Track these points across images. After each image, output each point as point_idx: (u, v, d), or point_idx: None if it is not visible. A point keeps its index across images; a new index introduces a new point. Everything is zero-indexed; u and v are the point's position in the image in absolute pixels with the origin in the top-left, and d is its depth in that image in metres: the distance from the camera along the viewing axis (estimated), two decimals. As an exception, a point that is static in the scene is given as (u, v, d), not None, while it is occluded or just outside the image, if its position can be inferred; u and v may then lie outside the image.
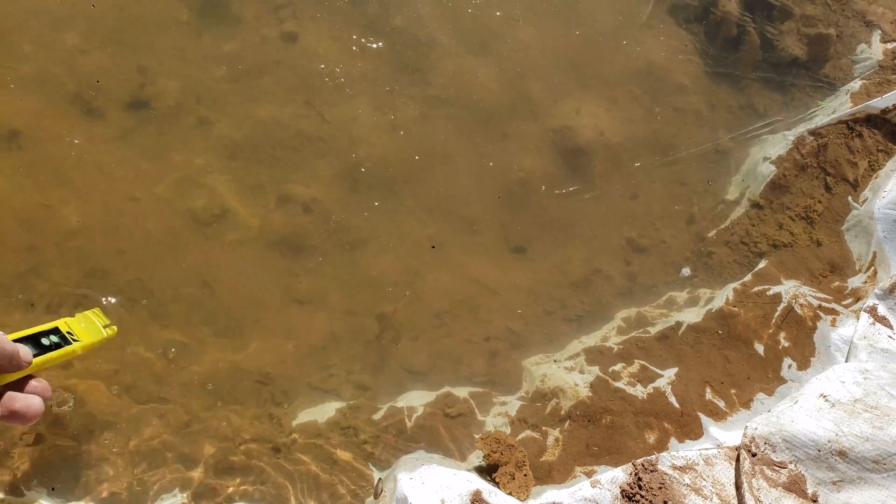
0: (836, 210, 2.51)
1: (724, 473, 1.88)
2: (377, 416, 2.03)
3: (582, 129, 2.67)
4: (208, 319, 2.10)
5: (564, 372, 2.20)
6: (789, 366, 2.22)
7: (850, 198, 2.51)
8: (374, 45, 2.64)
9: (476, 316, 2.30)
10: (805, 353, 2.24)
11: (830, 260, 2.41)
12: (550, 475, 1.95)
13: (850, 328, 2.21)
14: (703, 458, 1.90)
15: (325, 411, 2.03)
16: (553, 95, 2.73)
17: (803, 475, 1.83)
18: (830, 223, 2.49)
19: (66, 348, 0.83)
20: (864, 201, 2.48)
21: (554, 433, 2.05)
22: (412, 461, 1.92)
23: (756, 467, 1.85)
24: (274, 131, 2.41)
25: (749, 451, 1.88)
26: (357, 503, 1.87)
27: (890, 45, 2.81)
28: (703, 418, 2.11)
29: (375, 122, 2.51)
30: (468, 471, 1.87)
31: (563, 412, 2.09)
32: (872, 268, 2.35)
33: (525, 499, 1.80)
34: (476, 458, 1.97)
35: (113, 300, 2.03)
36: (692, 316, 2.35)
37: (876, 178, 2.53)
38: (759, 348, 2.26)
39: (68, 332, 0.85)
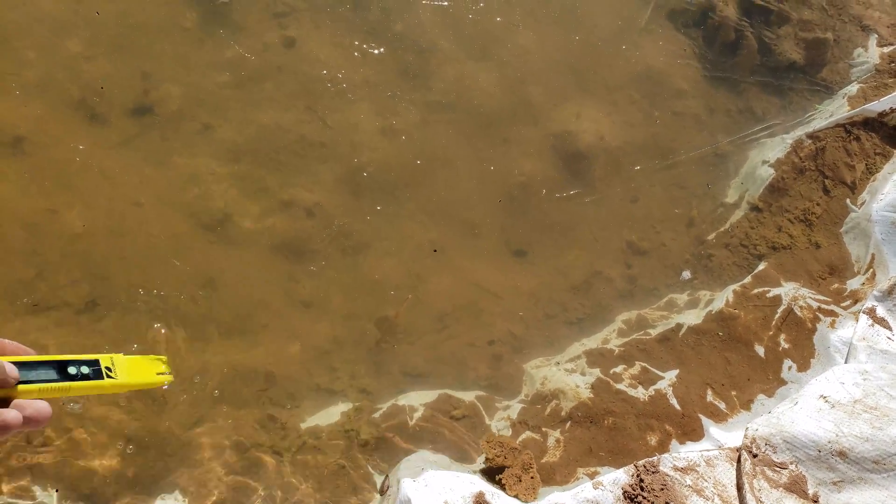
0: (834, 213, 2.53)
1: (726, 474, 1.89)
2: (379, 418, 2.04)
3: (582, 133, 2.69)
4: (212, 323, 2.11)
5: (565, 374, 2.21)
6: (789, 367, 2.23)
7: (848, 200, 2.53)
8: (376, 51, 2.66)
9: (478, 319, 2.31)
10: (805, 354, 2.25)
11: (829, 262, 2.43)
12: (552, 476, 1.96)
13: (849, 330, 2.22)
14: (704, 459, 1.91)
15: (329, 413, 2.04)
16: (553, 100, 2.75)
17: (804, 476, 1.84)
18: (829, 225, 2.51)
19: (89, 383, 0.76)
20: (863, 204, 2.50)
21: (555, 434, 2.06)
22: (415, 463, 1.93)
23: (757, 468, 1.86)
24: (276, 136, 2.43)
25: (750, 452, 1.89)
26: (361, 502, 1.87)
27: (886, 49, 2.83)
28: (704, 420, 2.12)
29: (377, 127, 2.53)
30: (471, 473, 1.88)
31: (563, 413, 2.10)
32: (871, 270, 2.37)
33: (532, 500, 1.81)
34: (479, 460, 1.98)
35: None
36: (692, 318, 2.36)
37: (873, 180, 2.54)
38: (760, 350, 2.27)
39: (107, 368, 0.77)
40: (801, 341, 2.28)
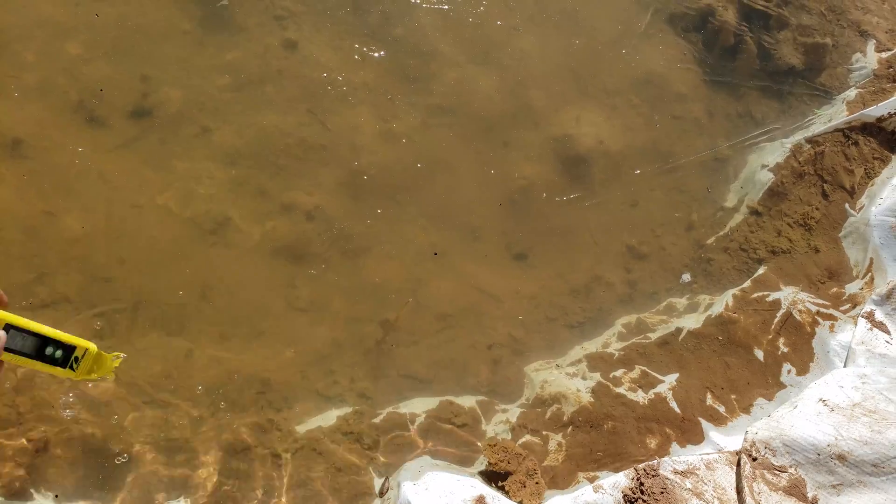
0: (833, 217, 2.54)
1: (725, 478, 1.89)
2: (379, 422, 2.04)
3: (582, 137, 2.70)
4: (211, 326, 2.10)
5: (566, 378, 2.22)
6: (789, 371, 2.24)
7: (847, 205, 2.54)
8: (376, 55, 2.66)
9: (478, 323, 2.32)
10: (804, 358, 2.26)
11: (828, 266, 2.44)
12: (553, 480, 1.96)
13: (848, 334, 2.23)
14: (704, 462, 1.92)
15: (328, 417, 2.04)
16: (553, 104, 2.75)
17: (803, 479, 1.85)
18: (828, 230, 2.52)
19: (51, 367, 0.79)
20: (861, 208, 2.51)
21: (556, 438, 2.06)
22: (415, 467, 1.93)
23: (757, 471, 1.86)
24: (276, 139, 2.42)
25: (750, 455, 1.89)
26: (361, 509, 1.87)
27: (884, 55, 2.85)
28: (704, 423, 2.13)
29: (378, 131, 2.53)
30: (472, 476, 1.88)
31: (565, 418, 2.10)
32: (869, 274, 2.38)
33: (534, 506, 1.81)
34: (480, 463, 1.98)
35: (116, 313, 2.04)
36: (692, 322, 2.37)
37: (872, 185, 2.56)
38: (759, 354, 2.28)
39: (75, 358, 0.81)
40: (801, 345, 2.29)
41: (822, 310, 2.34)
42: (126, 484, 1.80)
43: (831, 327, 2.29)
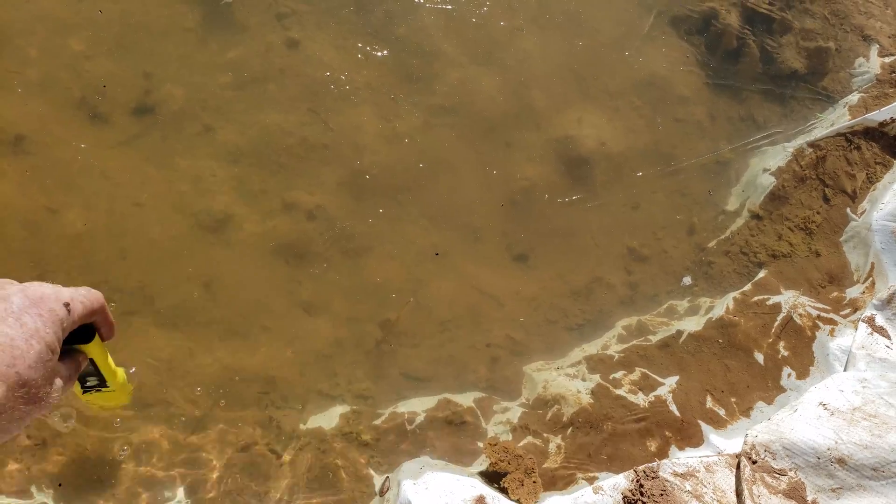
0: (834, 221, 2.54)
1: (725, 480, 1.89)
2: (379, 422, 2.04)
3: (584, 138, 2.70)
4: (212, 325, 2.10)
5: (566, 379, 2.22)
6: (788, 375, 2.24)
7: (848, 209, 2.54)
8: (379, 54, 2.66)
9: (478, 324, 2.32)
10: (804, 362, 2.26)
11: (829, 270, 2.44)
12: (553, 481, 1.96)
13: (848, 338, 2.23)
14: (703, 465, 1.92)
15: (329, 416, 2.04)
16: (556, 105, 2.75)
17: (803, 482, 1.85)
18: (829, 234, 2.52)
19: (79, 391, 0.78)
20: (863, 213, 2.51)
21: (556, 440, 2.06)
22: (415, 466, 1.93)
23: (756, 474, 1.87)
24: (278, 138, 2.42)
25: (749, 458, 1.90)
26: (361, 508, 1.87)
27: (888, 59, 2.85)
28: (704, 426, 2.13)
29: (380, 130, 2.53)
30: (471, 476, 1.88)
31: (564, 419, 2.10)
32: (870, 278, 2.38)
33: (532, 505, 1.81)
34: (480, 463, 1.98)
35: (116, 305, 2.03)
36: (692, 325, 2.37)
37: (874, 189, 2.56)
38: (759, 357, 2.28)
39: (99, 388, 0.79)
40: (801, 349, 2.29)
41: (823, 314, 2.34)
42: (127, 482, 1.80)
43: (832, 331, 2.29)
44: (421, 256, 2.38)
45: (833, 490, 1.84)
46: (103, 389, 0.78)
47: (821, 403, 1.98)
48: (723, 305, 2.40)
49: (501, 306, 2.37)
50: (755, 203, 2.65)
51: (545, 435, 2.07)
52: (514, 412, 2.14)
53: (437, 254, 2.39)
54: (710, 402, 2.19)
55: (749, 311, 2.37)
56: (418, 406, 2.11)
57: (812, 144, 2.67)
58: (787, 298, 2.39)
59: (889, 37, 2.91)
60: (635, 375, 2.24)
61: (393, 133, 2.54)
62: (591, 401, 2.14)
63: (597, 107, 2.79)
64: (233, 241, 2.23)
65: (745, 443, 1.95)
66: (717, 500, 1.84)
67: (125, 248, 2.14)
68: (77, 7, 2.45)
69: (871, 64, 2.84)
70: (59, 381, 0.60)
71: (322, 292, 2.23)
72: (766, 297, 2.41)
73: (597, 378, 2.22)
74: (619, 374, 2.25)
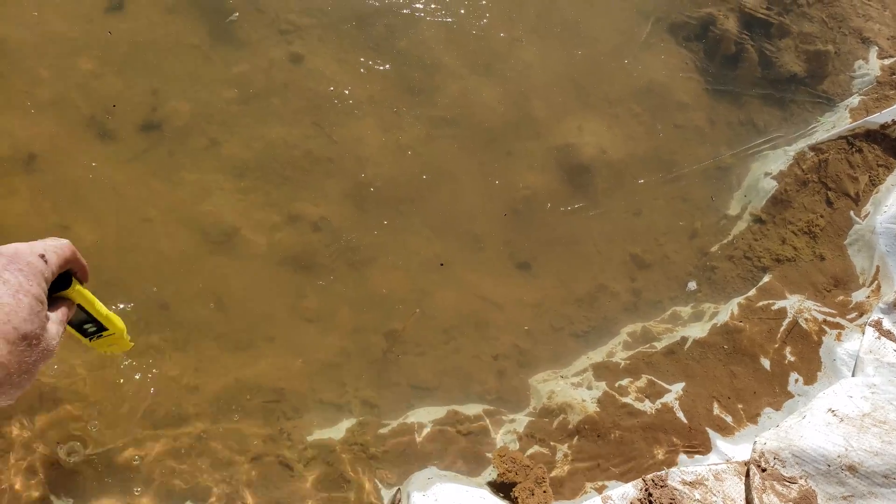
0: (838, 224, 2.53)
1: (735, 488, 1.88)
2: (386, 432, 2.04)
3: (584, 146, 2.71)
4: (220, 337, 2.12)
5: (572, 388, 2.22)
6: (796, 380, 2.23)
7: (852, 212, 2.53)
8: (381, 67, 2.70)
9: (483, 333, 2.32)
10: (811, 367, 2.25)
11: (834, 274, 2.43)
12: (560, 490, 1.95)
13: (855, 342, 2.22)
14: (712, 473, 1.91)
15: (336, 428, 2.05)
16: (556, 114, 2.78)
17: (814, 490, 1.83)
18: (833, 237, 2.51)
19: (81, 337, 0.84)
20: (866, 216, 2.50)
21: (563, 448, 2.05)
22: (423, 477, 1.93)
23: (766, 482, 1.85)
24: (283, 152, 2.46)
25: (759, 466, 1.88)
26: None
27: (887, 62, 2.85)
28: (712, 433, 2.11)
29: (383, 143, 2.56)
30: (480, 487, 1.88)
31: (571, 427, 2.10)
32: (876, 282, 2.37)
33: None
34: (488, 473, 1.98)
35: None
36: (697, 331, 2.36)
37: (877, 192, 2.55)
38: (765, 363, 2.27)
39: (100, 334, 0.85)
40: (808, 354, 2.28)
41: (829, 318, 2.33)
42: (138, 492, 1.82)
43: (838, 336, 2.28)
44: (425, 267, 2.39)
45: (844, 498, 1.83)
46: (104, 334, 0.84)
47: (830, 410, 1.97)
48: (727, 311, 2.40)
49: (506, 315, 2.37)
50: (757, 207, 2.65)
51: (552, 443, 2.07)
52: (521, 422, 2.14)
53: (441, 264, 2.41)
54: (717, 409, 2.17)
55: (754, 316, 2.36)
56: (426, 416, 2.11)
57: (813, 148, 2.67)
58: (793, 303, 2.38)
59: (888, 39, 2.91)
60: (641, 382, 2.23)
61: (396, 145, 2.57)
62: (598, 409, 2.14)
63: (597, 115, 2.81)
64: (240, 253, 2.26)
65: (753, 450, 1.93)
66: (727, 508, 1.83)
67: (134, 262, 2.17)
68: (86, 28, 2.51)
69: (871, 66, 2.84)
70: (53, 328, 0.63)
71: (328, 303, 2.25)
72: (770, 301, 2.40)
73: (603, 386, 2.22)
74: (625, 382, 2.24)
